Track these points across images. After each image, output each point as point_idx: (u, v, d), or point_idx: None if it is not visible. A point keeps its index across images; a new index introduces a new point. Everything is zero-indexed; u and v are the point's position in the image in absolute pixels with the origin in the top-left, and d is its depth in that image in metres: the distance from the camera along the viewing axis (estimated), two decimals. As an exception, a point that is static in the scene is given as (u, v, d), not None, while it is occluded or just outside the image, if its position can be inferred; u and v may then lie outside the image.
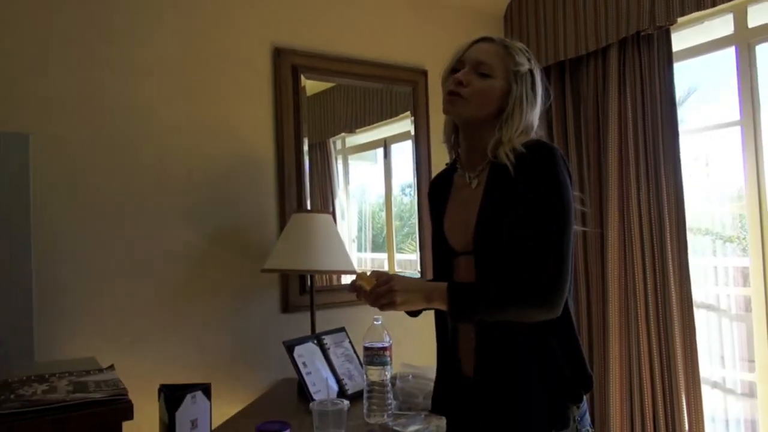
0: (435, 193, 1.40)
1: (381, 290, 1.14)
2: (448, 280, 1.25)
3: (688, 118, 2.79)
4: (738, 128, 2.43)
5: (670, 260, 2.36)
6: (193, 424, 1.26)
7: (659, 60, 2.41)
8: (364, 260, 2.83)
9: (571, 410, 1.14)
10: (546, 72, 2.87)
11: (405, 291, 1.14)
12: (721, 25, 2.45)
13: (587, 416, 1.19)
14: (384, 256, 2.84)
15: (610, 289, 2.51)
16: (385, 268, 2.79)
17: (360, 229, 2.81)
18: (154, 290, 2.06)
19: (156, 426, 1.33)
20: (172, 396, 1.24)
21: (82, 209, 1.95)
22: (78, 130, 1.95)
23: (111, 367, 1.62)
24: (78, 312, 1.92)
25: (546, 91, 1.29)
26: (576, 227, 1.17)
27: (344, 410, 1.49)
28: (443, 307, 1.15)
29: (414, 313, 1.37)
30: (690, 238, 2.42)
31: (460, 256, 1.25)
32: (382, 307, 1.15)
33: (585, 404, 1.19)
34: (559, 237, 1.10)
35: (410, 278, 1.21)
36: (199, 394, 1.28)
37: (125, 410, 1.34)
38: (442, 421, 1.52)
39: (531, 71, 1.24)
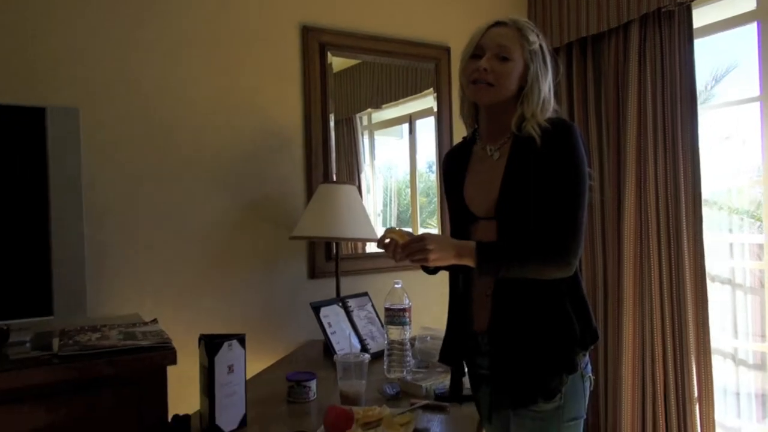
0: (452, 164, 1.51)
1: (415, 246, 1.25)
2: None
3: (724, 93, 2.80)
4: (758, 104, 2.46)
5: (684, 233, 2.42)
6: (230, 369, 1.41)
7: (680, 36, 2.44)
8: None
9: (578, 357, 1.26)
10: (568, 48, 2.92)
11: (438, 247, 1.24)
12: (743, 0, 2.47)
13: (589, 365, 1.33)
14: (409, 230, 2.93)
15: (625, 260, 2.59)
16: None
17: (385, 204, 2.91)
18: (190, 255, 2.22)
19: (195, 372, 1.48)
20: (211, 343, 1.38)
21: (126, 180, 2.10)
22: (118, 107, 2.10)
23: (154, 321, 1.78)
24: (123, 273, 2.09)
25: (554, 61, 1.38)
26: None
27: (365, 362, 1.62)
28: (471, 263, 1.26)
29: (430, 271, 1.49)
30: (708, 213, 2.47)
31: (480, 221, 1.36)
32: (414, 261, 1.26)
33: (588, 356, 1.32)
34: (576, 206, 1.23)
35: (441, 235, 1.32)
36: (234, 342, 1.43)
37: (170, 356, 1.50)
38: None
39: (541, 46, 1.34)
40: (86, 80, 2.05)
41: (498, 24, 1.35)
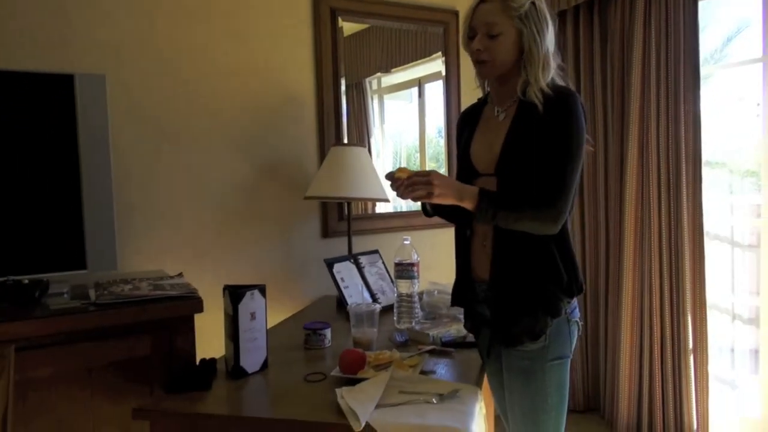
0: (464, 122, 1.61)
1: (420, 179, 1.34)
2: None
3: (737, 54, 2.83)
4: (761, 65, 2.50)
5: (684, 192, 2.50)
6: (252, 316, 1.53)
7: (684, 0, 2.48)
8: (399, 200, 3.01)
9: (563, 303, 1.38)
10: (575, 10, 2.95)
11: (442, 184, 1.34)
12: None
13: (577, 311, 1.45)
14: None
15: (627, 218, 2.68)
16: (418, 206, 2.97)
17: (395, 168, 2.98)
18: (211, 213, 2.34)
19: (215, 325, 1.61)
20: (235, 292, 1.50)
21: (149, 142, 2.21)
22: (141, 72, 2.19)
23: (180, 275, 1.91)
24: (147, 232, 2.21)
25: (552, 14, 1.43)
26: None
27: (377, 311, 1.75)
28: (470, 206, 1.36)
29: (428, 213, 1.60)
30: (708, 173, 2.54)
31: (481, 177, 1.46)
32: (417, 198, 1.35)
33: (575, 301, 1.44)
34: (570, 170, 1.33)
35: (446, 176, 1.41)
36: (256, 292, 1.54)
37: (197, 304, 1.64)
38: (460, 324, 1.77)
39: (533, 3, 1.38)
40: (111, 46, 2.14)
41: (482, 1, 1.40)
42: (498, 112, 1.48)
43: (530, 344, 1.38)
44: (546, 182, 1.33)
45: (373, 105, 2.87)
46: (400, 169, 1.39)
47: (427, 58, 2.94)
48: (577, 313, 1.45)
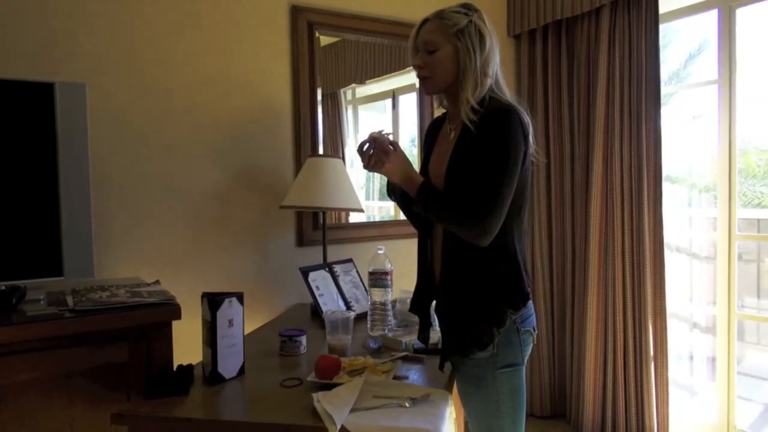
0: (428, 137, 1.69)
1: (384, 145, 1.43)
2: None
3: (699, 73, 2.97)
4: (716, 86, 2.64)
5: (645, 206, 2.63)
6: (230, 323, 1.57)
7: (646, 20, 2.61)
8: (372, 208, 3.05)
9: (508, 314, 1.44)
10: (544, 30, 3.07)
11: (393, 166, 1.44)
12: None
13: (530, 320, 1.50)
14: (391, 204, 3.02)
15: (592, 231, 2.79)
16: (391, 215, 3.04)
17: (368, 179, 3.03)
18: (187, 222, 2.36)
19: (190, 331, 1.64)
20: (213, 299, 1.54)
21: (127, 151, 2.23)
22: (121, 81, 2.21)
23: (157, 282, 1.93)
24: (124, 240, 2.22)
25: (492, 31, 1.49)
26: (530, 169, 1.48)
27: (351, 319, 1.80)
28: (411, 192, 1.46)
29: (390, 195, 1.68)
30: (669, 188, 2.67)
31: None
32: (371, 167, 1.45)
33: (530, 312, 1.51)
34: (498, 185, 1.37)
35: (406, 160, 1.49)
36: (234, 299, 1.58)
37: (175, 311, 1.67)
38: (435, 333, 1.84)
39: (471, 21, 1.45)
40: (92, 54, 2.16)
41: (424, 22, 1.49)
42: (450, 130, 1.56)
43: (479, 353, 1.44)
44: (473, 198, 1.37)
45: (348, 115, 2.92)
46: (371, 134, 1.45)
47: (402, 71, 3.01)
48: (531, 323, 1.50)
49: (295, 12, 2.58)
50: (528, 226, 2.19)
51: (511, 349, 1.46)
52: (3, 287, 1.64)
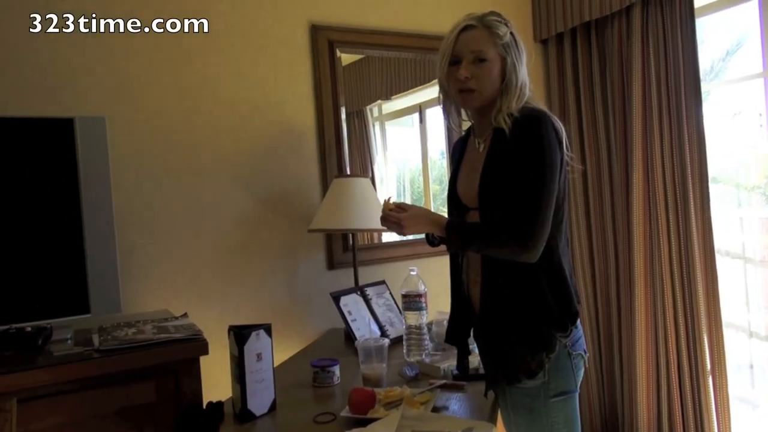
0: (453, 155, 1.61)
1: (391, 220, 1.40)
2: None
3: (737, 68, 2.82)
4: (761, 80, 2.49)
5: (692, 210, 2.47)
6: (258, 356, 1.50)
7: (681, 16, 2.47)
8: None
9: (557, 338, 1.33)
10: (572, 33, 2.96)
11: (410, 224, 1.39)
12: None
13: (580, 342, 1.39)
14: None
15: (635, 239, 2.64)
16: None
17: (399, 195, 2.97)
18: (215, 250, 2.32)
19: (225, 362, 1.58)
20: (240, 333, 1.47)
21: (150, 181, 2.20)
22: (141, 111, 2.19)
23: (185, 315, 1.89)
24: (151, 272, 2.19)
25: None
26: (568, 175, 1.41)
27: (385, 346, 1.71)
28: (444, 234, 1.39)
29: (433, 243, 1.58)
30: (718, 190, 2.51)
31: (471, 211, 1.45)
32: (402, 233, 1.41)
33: (579, 333, 1.40)
34: (538, 193, 1.28)
35: (418, 210, 1.44)
36: (262, 332, 1.52)
37: (202, 346, 1.61)
38: (475, 357, 1.73)
39: (511, 34, 1.39)
40: (111, 87, 2.14)
41: (467, 28, 1.39)
42: (478, 143, 1.47)
43: (528, 381, 1.34)
44: (514, 208, 1.29)
45: (375, 132, 2.87)
46: (385, 203, 1.45)
47: (427, 84, 2.94)
48: (582, 345, 1.40)
49: (315, 31, 2.54)
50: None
51: (563, 375, 1.35)
52: (29, 328, 1.61)
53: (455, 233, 1.37)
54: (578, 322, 1.39)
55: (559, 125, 1.35)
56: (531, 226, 1.27)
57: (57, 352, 1.56)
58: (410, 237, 2.88)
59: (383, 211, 1.44)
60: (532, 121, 1.31)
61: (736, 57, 2.86)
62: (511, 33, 1.39)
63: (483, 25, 1.38)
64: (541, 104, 1.42)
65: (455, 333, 1.54)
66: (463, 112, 1.54)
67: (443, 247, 1.66)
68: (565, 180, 1.37)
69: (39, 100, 2.01)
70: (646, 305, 2.65)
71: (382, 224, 1.45)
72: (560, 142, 1.33)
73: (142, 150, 2.19)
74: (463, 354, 1.56)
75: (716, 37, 2.86)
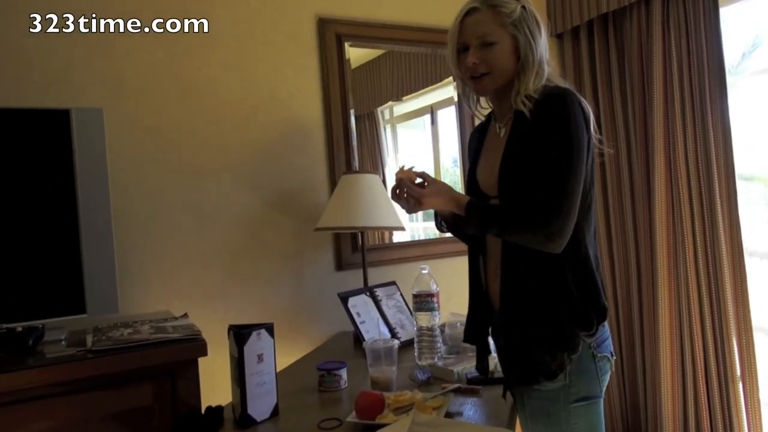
0: (471, 144, 1.51)
1: (414, 192, 1.31)
2: None
3: (759, 62, 2.69)
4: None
5: (719, 208, 2.35)
6: (260, 358, 1.41)
7: (704, 6, 2.37)
8: (416, 229, 2.88)
9: (580, 337, 1.23)
10: (588, 26, 2.86)
11: (431, 197, 1.31)
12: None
13: (607, 344, 1.28)
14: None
15: (658, 239, 2.52)
16: (436, 233, 2.85)
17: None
18: (219, 250, 2.23)
19: (226, 363, 1.49)
20: (240, 333, 1.38)
21: (152, 178, 2.13)
22: (142, 107, 2.12)
23: (185, 315, 1.80)
24: (152, 271, 2.11)
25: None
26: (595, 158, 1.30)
27: (395, 348, 1.61)
28: (463, 213, 1.30)
29: (441, 228, 1.51)
30: (741, 186, 2.38)
31: (491, 200, 1.35)
32: (411, 209, 1.33)
33: (606, 333, 1.29)
34: (564, 176, 1.18)
35: (442, 186, 1.35)
36: (263, 331, 1.42)
37: (200, 347, 1.51)
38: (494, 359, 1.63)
39: (523, 7, 1.29)
40: (111, 80, 2.07)
41: (471, 12, 1.32)
42: (499, 128, 1.38)
43: (548, 383, 1.23)
44: (538, 191, 1.19)
45: (386, 135, 2.79)
46: (402, 170, 1.34)
47: (439, 84, 2.86)
48: (608, 347, 1.29)
49: (322, 24, 2.46)
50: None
51: (587, 379, 1.24)
52: (20, 328, 1.53)
53: (476, 211, 1.28)
54: (605, 323, 1.28)
55: (585, 104, 1.25)
56: (554, 214, 1.17)
57: (49, 353, 1.48)
58: (422, 237, 2.79)
59: (400, 180, 1.33)
60: (554, 99, 1.22)
61: (759, 50, 2.73)
62: (523, 6, 1.29)
63: (487, 5, 1.30)
64: (564, 82, 1.32)
65: (474, 331, 1.44)
66: (482, 99, 1.45)
67: (457, 246, 1.57)
68: (592, 164, 1.27)
69: (37, 92, 1.94)
70: (670, 308, 2.52)
71: (393, 195, 1.35)
72: (587, 122, 1.23)
73: (142, 147, 2.12)
74: (483, 353, 1.45)
75: (737, 28, 2.74)
